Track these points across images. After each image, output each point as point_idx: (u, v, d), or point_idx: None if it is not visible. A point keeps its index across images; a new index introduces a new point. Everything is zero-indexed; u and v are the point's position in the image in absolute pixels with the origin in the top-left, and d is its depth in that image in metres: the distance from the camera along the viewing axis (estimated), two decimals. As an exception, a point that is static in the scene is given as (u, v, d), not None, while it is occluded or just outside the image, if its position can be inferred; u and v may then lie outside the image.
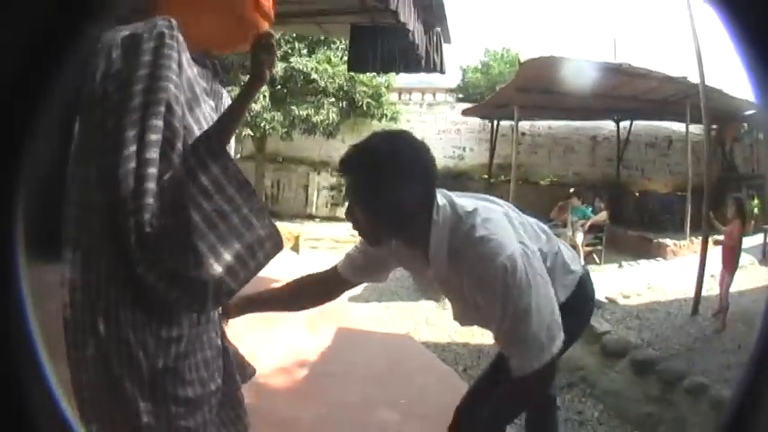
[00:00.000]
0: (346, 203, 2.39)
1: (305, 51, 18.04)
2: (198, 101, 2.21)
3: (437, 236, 2.30)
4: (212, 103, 2.38)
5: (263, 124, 17.81)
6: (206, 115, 2.23)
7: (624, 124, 19.04)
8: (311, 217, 21.07)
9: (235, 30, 2.42)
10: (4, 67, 0.83)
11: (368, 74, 17.86)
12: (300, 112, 17.93)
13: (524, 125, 19.45)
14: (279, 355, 6.10)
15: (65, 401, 0.97)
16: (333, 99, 18.30)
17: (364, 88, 18.66)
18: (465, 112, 19.36)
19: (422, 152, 2.35)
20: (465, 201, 2.42)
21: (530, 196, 16.84)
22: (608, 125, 19.51)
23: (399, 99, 21.46)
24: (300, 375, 5.78)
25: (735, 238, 8.02)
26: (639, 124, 18.88)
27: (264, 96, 17.38)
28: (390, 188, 2.22)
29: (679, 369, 5.63)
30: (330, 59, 17.95)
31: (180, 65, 2.07)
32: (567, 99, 15.02)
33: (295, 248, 16.70)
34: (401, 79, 20.50)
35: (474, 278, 2.27)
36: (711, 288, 8.46)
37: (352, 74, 17.50)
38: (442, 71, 9.42)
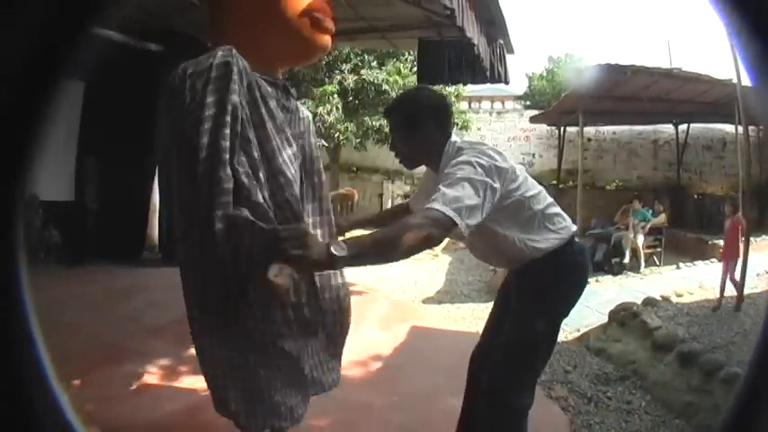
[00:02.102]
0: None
1: (375, 63, 18.30)
2: (263, 118, 2.57)
3: (445, 160, 2.97)
4: (283, 117, 2.72)
5: (336, 135, 18.24)
6: (271, 129, 2.60)
7: (683, 128, 18.96)
8: (386, 225, 21.17)
9: (295, 47, 2.84)
10: (6, 67, 0.84)
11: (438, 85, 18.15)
12: (373, 123, 18.28)
13: (590, 131, 19.54)
14: (355, 350, 6.25)
15: (65, 401, 0.99)
16: (405, 109, 18.60)
17: (435, 98, 18.83)
18: (533, 119, 19.49)
19: (439, 101, 3.26)
20: (472, 141, 3.26)
21: (597, 201, 16.96)
22: (668, 129, 19.46)
23: (470, 107, 21.65)
24: (374, 367, 6.06)
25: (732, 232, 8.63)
26: (696, 127, 18.79)
27: (338, 108, 17.78)
28: (417, 124, 3.07)
29: (718, 360, 5.89)
30: (400, 71, 18.20)
31: (239, 88, 2.43)
32: (627, 104, 15.20)
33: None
34: (470, 88, 20.69)
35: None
36: (756, 286, 8.66)
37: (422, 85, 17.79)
38: (506, 81, 9.67)
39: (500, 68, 9.20)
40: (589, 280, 9.89)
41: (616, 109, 16.17)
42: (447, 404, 4.98)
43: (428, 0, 7.02)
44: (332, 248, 2.15)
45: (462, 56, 8.54)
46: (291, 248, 2.11)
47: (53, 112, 0.98)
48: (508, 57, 9.79)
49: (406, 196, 21.44)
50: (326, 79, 18.37)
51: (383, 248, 2.35)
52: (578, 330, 8.28)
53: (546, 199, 3.23)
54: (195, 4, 8.75)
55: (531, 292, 3.19)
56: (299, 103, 3.03)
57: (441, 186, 2.60)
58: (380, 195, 22.22)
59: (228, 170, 2.35)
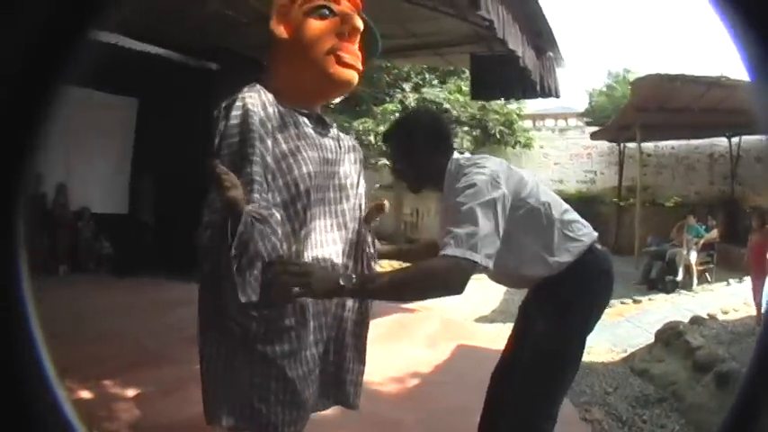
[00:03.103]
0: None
1: (436, 82, 18.34)
2: (288, 140, 2.86)
3: (448, 179, 2.92)
4: (318, 142, 2.99)
5: (398, 153, 18.17)
6: (303, 147, 2.88)
7: (736, 140, 18.61)
8: (449, 244, 21.19)
9: (323, 82, 3.05)
10: (5, 67, 0.83)
11: (499, 102, 18.08)
12: (435, 141, 18.18)
13: (649, 146, 19.26)
14: (394, 365, 6.35)
15: (67, 402, 0.98)
16: (466, 128, 18.51)
17: (496, 116, 18.88)
18: (593, 136, 19.28)
19: (437, 121, 3.27)
20: (473, 155, 3.10)
21: (656, 218, 16.78)
22: (722, 142, 19.07)
23: (534, 125, 21.54)
24: (411, 384, 5.99)
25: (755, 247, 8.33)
26: (748, 139, 18.28)
27: (399, 127, 17.86)
28: (416, 148, 3.06)
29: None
30: (461, 89, 18.13)
31: (263, 116, 2.76)
32: (680, 117, 14.95)
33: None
34: (534, 106, 20.60)
35: (443, 206, 2.92)
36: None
37: (484, 102, 17.75)
38: (556, 95, 9.60)
39: (550, 82, 9.14)
40: (641, 298, 9.65)
41: (671, 122, 15.92)
42: (474, 422, 4.91)
43: (471, 13, 6.91)
44: (341, 280, 2.36)
45: (512, 70, 8.40)
46: (294, 284, 2.35)
47: (53, 113, 0.92)
48: (560, 71, 9.76)
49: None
50: (388, 98, 18.45)
51: (397, 291, 2.54)
52: (625, 351, 8.12)
53: (562, 205, 3.12)
54: (247, 24, 8.86)
55: (554, 307, 3.02)
56: (340, 133, 3.31)
57: (451, 228, 2.56)
58: (444, 213, 22.01)
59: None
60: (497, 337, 8.92)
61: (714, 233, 14.68)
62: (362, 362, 3.40)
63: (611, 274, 3.22)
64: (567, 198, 16.78)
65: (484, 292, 14.13)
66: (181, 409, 4.24)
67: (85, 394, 4.94)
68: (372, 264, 3.32)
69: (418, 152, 3.06)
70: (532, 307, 3.22)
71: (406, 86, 18.56)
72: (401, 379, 6.06)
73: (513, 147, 19.99)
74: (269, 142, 2.78)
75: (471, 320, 10.83)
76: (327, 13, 3.05)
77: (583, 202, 18.75)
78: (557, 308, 3.00)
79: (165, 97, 10.82)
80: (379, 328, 8.13)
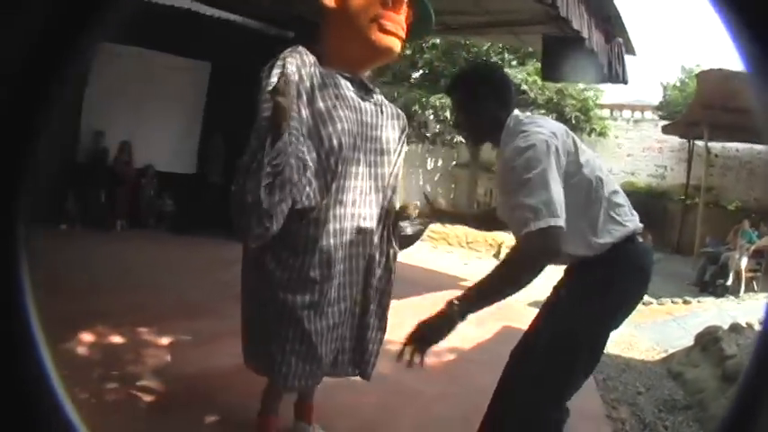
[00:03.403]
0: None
1: (515, 62, 18.19)
2: (326, 98, 3.07)
3: (506, 135, 2.91)
4: (360, 105, 3.24)
5: (474, 131, 18.12)
6: (341, 108, 3.10)
7: None
8: (521, 226, 21.11)
9: (366, 48, 3.27)
10: (8, 65, 0.81)
11: (576, 87, 17.89)
12: (512, 121, 18.06)
13: (717, 146, 18.90)
14: (436, 342, 6.36)
15: (67, 401, 0.96)
16: (543, 111, 18.32)
17: (573, 101, 18.81)
18: (664, 130, 18.99)
19: (497, 74, 3.27)
20: (532, 117, 3.11)
21: (718, 220, 16.46)
22: None
23: (611, 114, 21.38)
24: (446, 358, 6.00)
25: None
26: None
27: (475, 105, 17.78)
28: (478, 99, 3.02)
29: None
30: (539, 71, 17.93)
31: (300, 76, 2.95)
32: (744, 117, 14.58)
33: (496, 255, 16.96)
34: (612, 96, 20.32)
35: (501, 161, 2.90)
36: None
37: (562, 87, 17.56)
38: (624, 81, 9.42)
39: (618, 67, 8.99)
40: (692, 300, 9.45)
41: (735, 123, 15.42)
42: (494, 402, 4.90)
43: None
44: (449, 314, 2.66)
45: (582, 53, 8.26)
46: (419, 350, 2.72)
47: (54, 109, 0.89)
48: (631, 58, 9.64)
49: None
50: (467, 75, 18.26)
51: (507, 283, 2.67)
52: (666, 351, 7.98)
53: (613, 185, 3.00)
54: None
55: (582, 289, 2.95)
56: (385, 100, 3.52)
57: (524, 200, 2.57)
58: (518, 196, 21.92)
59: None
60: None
61: (765, 240, 14.34)
62: (384, 330, 3.60)
63: (648, 271, 3.08)
64: (637, 191, 16.51)
65: (543, 276, 14.12)
66: (210, 359, 4.32)
67: (116, 339, 5.12)
68: (394, 243, 3.56)
69: (478, 104, 3.04)
70: (562, 287, 3.16)
71: (486, 64, 18.43)
72: (438, 353, 5.90)
73: (589, 134, 19.76)
74: (305, 98, 2.97)
75: (525, 304, 10.77)
76: None
77: (651, 197, 18.55)
78: (584, 292, 2.94)
79: (239, 62, 10.95)
80: (431, 302, 8.19)
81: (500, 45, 16.86)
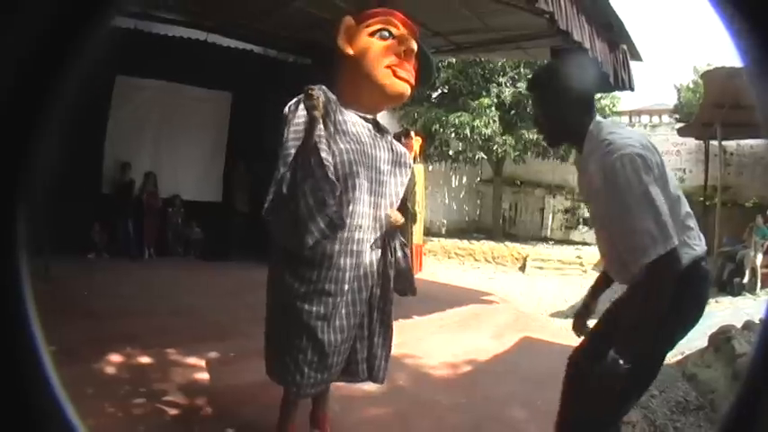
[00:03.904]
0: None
1: (531, 76, 18.24)
2: (344, 131, 3.56)
3: (589, 141, 2.93)
4: (372, 142, 3.71)
5: (495, 147, 18.21)
6: (349, 136, 3.58)
7: None
8: (546, 239, 21.28)
9: (382, 93, 3.76)
10: (8, 65, 0.81)
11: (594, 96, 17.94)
12: (531, 136, 18.09)
13: (731, 145, 18.71)
14: (454, 352, 6.56)
15: (67, 401, 0.96)
16: (561, 123, 18.42)
17: (590, 111, 18.56)
18: (679, 132, 18.61)
19: (585, 75, 3.24)
20: (616, 124, 3.26)
21: (735, 219, 16.12)
22: None
23: (630, 121, 21.24)
24: (463, 370, 6.10)
25: None
26: None
27: (495, 121, 17.83)
28: (559, 98, 2.99)
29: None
30: (556, 83, 17.95)
31: (326, 109, 3.39)
32: (755, 114, 14.43)
33: (522, 268, 17.03)
34: (632, 102, 20.29)
35: (598, 171, 2.82)
36: None
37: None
38: (631, 88, 9.50)
39: (623, 75, 9.02)
40: (710, 301, 9.28)
41: (748, 120, 15.25)
42: (509, 413, 5.05)
43: (530, 6, 6.94)
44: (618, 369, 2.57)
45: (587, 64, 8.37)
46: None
47: (57, 108, 0.90)
48: (638, 64, 9.76)
49: (566, 211, 21.26)
50: (484, 92, 18.44)
51: (654, 321, 2.59)
52: (682, 353, 7.79)
53: (686, 206, 3.00)
54: (331, 20, 9.11)
55: (639, 316, 2.76)
56: (395, 142, 4.02)
57: (637, 225, 2.62)
58: (542, 210, 22.12)
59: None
60: (565, 331, 8.94)
61: (779, 235, 14.05)
62: (390, 336, 3.94)
63: (706, 299, 3.11)
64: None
65: (565, 288, 14.16)
66: (236, 376, 4.51)
67: (144, 359, 5.30)
68: (399, 246, 3.91)
69: (562, 103, 3.00)
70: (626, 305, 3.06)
71: (502, 80, 18.54)
72: (455, 365, 6.18)
73: (606, 142, 19.74)
74: (329, 125, 3.44)
75: (547, 315, 10.82)
76: (388, 35, 3.76)
77: (672, 202, 18.39)
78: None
79: (260, 91, 11.16)
80: (451, 318, 8.36)
81: (515, 60, 16.91)
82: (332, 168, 3.26)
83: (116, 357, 5.23)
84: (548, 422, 4.91)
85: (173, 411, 4.36)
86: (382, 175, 3.74)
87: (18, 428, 0.88)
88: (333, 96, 3.52)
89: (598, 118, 2.99)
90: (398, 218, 3.75)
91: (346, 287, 3.51)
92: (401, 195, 3.93)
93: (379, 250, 3.71)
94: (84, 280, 7.93)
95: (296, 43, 10.87)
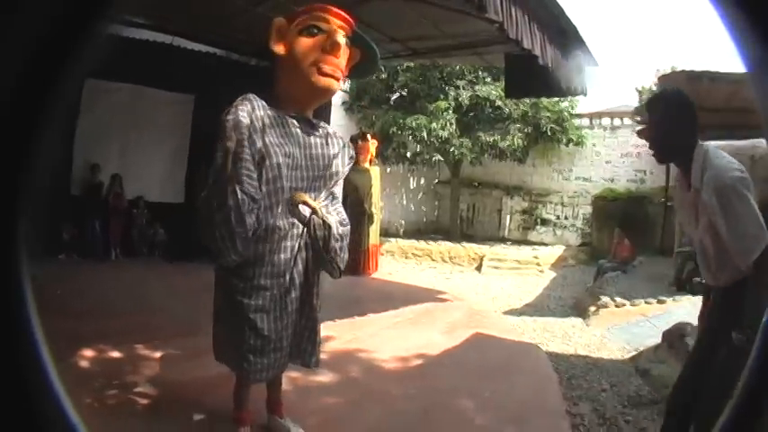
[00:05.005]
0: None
1: (489, 79, 18.45)
2: (275, 134, 3.74)
3: (697, 161, 3.37)
4: (306, 140, 3.91)
5: (452, 150, 18.46)
6: (280, 139, 3.76)
7: None
8: (503, 240, 21.56)
9: (308, 91, 3.91)
10: (10, 65, 0.82)
11: (552, 99, 18.20)
12: (487, 139, 18.42)
13: None
14: (405, 346, 6.80)
15: (67, 400, 0.97)
16: (519, 125, 18.70)
17: (548, 114, 19.00)
18: (638, 134, 18.91)
19: (691, 103, 3.59)
20: (719, 150, 3.48)
21: None
22: (763, 144, 18.21)
23: (591, 123, 21.53)
24: (413, 363, 6.33)
25: None
26: None
27: (452, 124, 18.08)
28: (679, 119, 3.48)
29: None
30: (513, 87, 18.21)
31: (251, 119, 3.60)
32: (717, 116, 14.66)
33: (478, 268, 17.32)
34: (593, 104, 20.53)
35: (712, 189, 3.25)
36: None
37: (536, 100, 17.90)
38: (584, 93, 9.85)
39: (576, 80, 9.37)
40: (667, 299, 9.56)
41: (709, 122, 15.54)
42: (457, 403, 5.31)
43: (480, 16, 7.15)
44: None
45: (541, 69, 8.63)
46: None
47: (59, 108, 0.91)
48: (593, 68, 10.07)
49: (524, 212, 21.58)
50: (441, 95, 18.73)
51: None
52: (637, 350, 8.13)
53: None
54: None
55: (744, 320, 3.23)
56: (332, 133, 4.21)
57: (747, 229, 3.19)
58: (499, 211, 22.48)
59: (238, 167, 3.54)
60: (516, 328, 9.22)
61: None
62: (318, 323, 4.21)
63: None
64: (617, 197, 16.55)
65: (520, 287, 14.45)
66: (199, 369, 4.75)
67: (116, 354, 5.56)
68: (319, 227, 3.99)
69: (676, 124, 3.48)
70: (718, 320, 3.62)
71: (460, 84, 18.87)
72: (406, 358, 6.43)
73: (567, 145, 20.17)
74: (255, 139, 3.59)
75: (500, 313, 11.04)
76: (316, 31, 3.85)
77: (632, 202, 18.83)
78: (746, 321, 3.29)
79: (222, 93, 11.29)
80: (405, 315, 8.62)
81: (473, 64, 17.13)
82: (248, 197, 3.54)
83: (90, 353, 5.47)
84: (494, 412, 5.21)
85: (143, 402, 4.61)
86: (320, 170, 3.97)
87: (20, 430, 0.89)
88: (260, 103, 3.72)
89: (701, 142, 3.44)
90: (299, 195, 3.91)
91: (281, 280, 3.83)
92: (341, 180, 4.31)
93: (311, 240, 3.93)
94: (56, 280, 8.06)
95: (257, 47, 11.06)
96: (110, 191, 12.09)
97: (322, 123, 4.18)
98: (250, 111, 3.63)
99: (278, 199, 3.76)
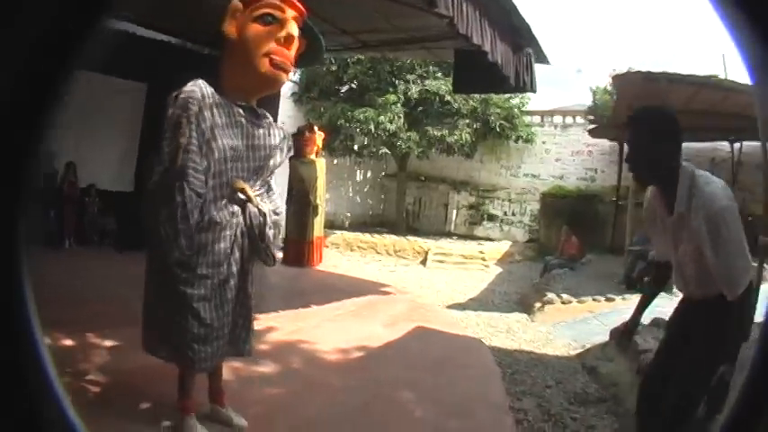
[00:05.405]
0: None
1: (440, 74, 18.46)
2: (222, 125, 3.76)
3: (683, 184, 3.27)
4: (250, 130, 3.93)
5: (399, 143, 18.42)
6: (226, 130, 3.79)
7: (739, 145, 17.66)
8: (449, 234, 21.61)
9: (257, 81, 3.92)
10: (10, 66, 0.82)
11: (502, 96, 18.24)
12: (435, 133, 18.40)
13: None
14: (346, 339, 6.81)
15: (66, 396, 0.98)
16: (467, 120, 18.74)
17: (498, 110, 19.05)
18: (591, 133, 18.88)
19: (677, 122, 3.46)
20: (705, 174, 3.42)
21: None
22: (725, 146, 18.22)
23: (542, 121, 21.64)
24: (354, 355, 6.35)
25: None
26: (751, 145, 16.82)
27: (400, 117, 18.04)
28: (661, 140, 3.32)
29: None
30: (465, 82, 18.21)
31: (200, 108, 3.62)
32: (680, 119, 14.66)
33: (423, 262, 17.34)
34: (545, 102, 20.58)
35: (701, 217, 3.18)
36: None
37: (486, 96, 17.95)
38: (533, 90, 9.89)
39: (526, 77, 9.38)
40: (616, 297, 9.60)
41: None
42: (397, 395, 5.34)
43: (430, 11, 7.15)
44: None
45: (490, 65, 8.63)
46: None
47: (61, 102, 0.93)
48: (544, 66, 10.33)
49: (470, 207, 21.64)
50: (391, 89, 18.70)
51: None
52: (583, 347, 8.13)
53: None
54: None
55: (717, 332, 3.41)
56: (274, 124, 4.23)
57: (730, 266, 3.20)
58: (446, 205, 22.50)
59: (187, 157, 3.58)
60: (459, 322, 9.24)
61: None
62: (251, 311, 4.26)
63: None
64: (567, 195, 16.53)
65: (464, 281, 14.49)
66: (148, 358, 4.72)
67: (68, 342, 5.50)
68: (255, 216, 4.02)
69: (661, 143, 3.31)
70: (692, 325, 3.61)
71: (410, 78, 18.86)
72: (348, 350, 6.45)
73: (516, 141, 20.28)
74: (204, 129, 3.63)
75: (443, 306, 11.04)
76: (271, 19, 3.83)
77: (582, 200, 19.02)
78: (719, 334, 3.44)
79: (174, 82, 11.15)
80: (348, 307, 8.63)
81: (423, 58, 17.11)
82: (194, 193, 3.59)
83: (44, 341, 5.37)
84: (435, 405, 5.21)
85: (94, 389, 4.60)
86: (261, 160, 3.99)
87: (20, 430, 0.90)
88: (209, 91, 3.72)
89: (685, 164, 3.34)
90: (239, 183, 3.91)
91: (221, 269, 3.83)
92: (280, 164, 4.26)
93: (247, 228, 3.95)
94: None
95: (212, 36, 10.93)
96: (64, 179, 11.92)
97: (265, 113, 4.17)
98: (199, 99, 3.63)
99: (222, 192, 3.79)
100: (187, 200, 3.52)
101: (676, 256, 3.55)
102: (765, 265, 6.81)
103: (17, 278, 0.91)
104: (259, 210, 3.93)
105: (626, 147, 3.59)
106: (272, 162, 4.10)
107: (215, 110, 3.71)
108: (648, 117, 3.51)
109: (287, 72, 3.98)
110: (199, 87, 3.67)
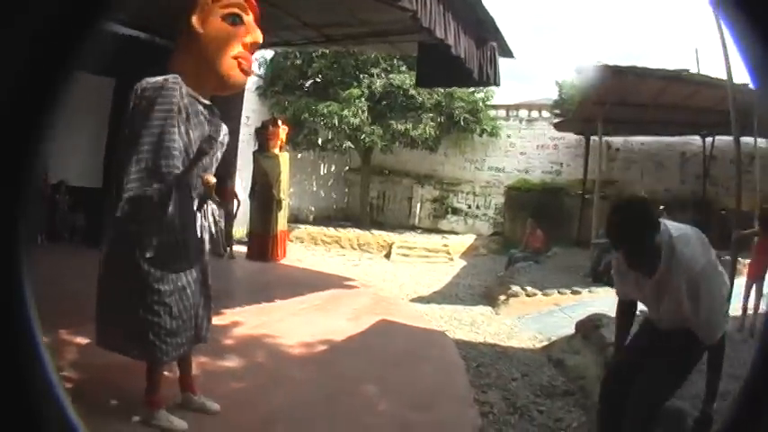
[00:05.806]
0: (620, 254, 3.81)
1: (404, 68, 18.43)
2: (191, 123, 3.85)
3: (664, 252, 3.47)
4: (207, 128, 4.01)
5: (363, 137, 18.38)
6: (194, 131, 3.88)
7: (711, 140, 18.07)
8: (413, 228, 21.62)
9: (223, 81, 4.00)
10: (10, 66, 0.82)
11: (466, 89, 18.28)
12: (399, 127, 18.36)
13: (617, 141, 19.32)
14: (310, 332, 6.83)
15: (64, 394, 0.98)
16: (431, 114, 18.70)
17: (462, 104, 19.05)
18: (557, 127, 19.12)
19: (651, 208, 3.73)
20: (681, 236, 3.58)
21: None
22: (696, 141, 18.57)
23: (507, 115, 21.66)
24: (318, 349, 6.37)
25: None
26: (723, 139, 16.98)
27: (364, 111, 17.98)
28: (648, 237, 3.48)
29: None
30: (428, 75, 18.17)
31: (177, 102, 3.72)
32: (644, 112, 14.78)
33: (387, 256, 17.35)
34: (510, 96, 20.57)
35: (683, 275, 3.42)
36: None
37: (450, 90, 17.96)
38: (496, 83, 9.90)
39: (489, 71, 9.40)
40: (582, 290, 9.67)
41: (637, 118, 15.68)
42: (361, 388, 5.37)
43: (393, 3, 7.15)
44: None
45: (454, 59, 8.64)
46: None
47: (61, 102, 0.96)
48: (507, 60, 10.32)
49: (434, 200, 21.66)
50: (355, 83, 18.68)
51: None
52: (549, 340, 8.16)
53: None
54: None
55: (685, 357, 3.68)
56: (219, 120, 4.23)
57: (711, 317, 3.45)
58: (410, 199, 22.52)
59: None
60: (423, 315, 9.26)
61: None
62: (210, 299, 4.34)
63: None
64: (532, 188, 16.58)
65: (428, 274, 14.50)
66: (117, 354, 4.71)
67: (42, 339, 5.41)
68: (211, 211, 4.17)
69: (648, 244, 3.48)
70: (664, 340, 3.79)
71: (374, 71, 18.83)
72: (311, 344, 6.46)
73: (481, 135, 20.32)
74: (182, 132, 3.77)
75: (407, 300, 11.03)
76: (238, 20, 3.92)
77: (547, 193, 19.16)
78: (686, 360, 3.72)
79: (141, 77, 11.02)
80: (312, 301, 8.62)
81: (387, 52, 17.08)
82: (177, 198, 3.75)
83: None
84: (398, 398, 5.23)
85: (67, 385, 4.46)
86: (213, 155, 4.07)
87: (20, 430, 0.90)
88: (184, 90, 3.81)
89: (661, 229, 3.52)
90: (211, 179, 4.01)
91: (189, 263, 3.96)
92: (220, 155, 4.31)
93: (208, 223, 4.05)
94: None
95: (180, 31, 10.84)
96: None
97: (213, 106, 4.22)
98: (179, 100, 3.74)
99: (191, 188, 3.90)
100: (172, 205, 3.67)
101: (654, 307, 3.81)
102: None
103: (17, 278, 0.91)
104: (217, 204, 4.08)
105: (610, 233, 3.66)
106: (219, 156, 4.21)
107: (189, 110, 3.82)
108: (633, 228, 3.55)
109: (249, 75, 4.19)
110: (179, 84, 3.76)
